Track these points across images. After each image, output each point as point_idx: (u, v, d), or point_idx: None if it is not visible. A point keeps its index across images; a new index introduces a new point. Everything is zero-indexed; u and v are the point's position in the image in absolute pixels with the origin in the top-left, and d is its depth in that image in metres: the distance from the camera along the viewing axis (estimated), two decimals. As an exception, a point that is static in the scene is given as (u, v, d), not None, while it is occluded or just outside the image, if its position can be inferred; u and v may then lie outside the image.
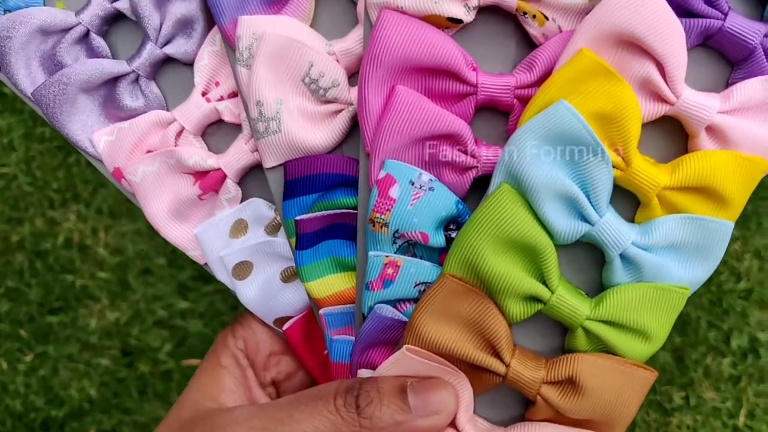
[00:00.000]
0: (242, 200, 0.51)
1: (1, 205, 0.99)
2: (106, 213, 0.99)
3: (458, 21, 0.45)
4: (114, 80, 0.49)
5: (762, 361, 0.93)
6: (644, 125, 0.44)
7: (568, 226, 0.43)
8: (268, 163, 0.48)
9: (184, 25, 0.49)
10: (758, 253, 0.93)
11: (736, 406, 0.92)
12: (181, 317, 0.99)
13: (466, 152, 0.45)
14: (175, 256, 0.98)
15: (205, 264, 0.51)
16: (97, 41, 0.49)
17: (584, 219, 0.43)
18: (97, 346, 1.00)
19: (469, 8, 0.45)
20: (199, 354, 0.99)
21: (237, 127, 0.50)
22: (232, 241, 0.51)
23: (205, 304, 0.98)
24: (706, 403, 0.92)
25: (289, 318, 0.52)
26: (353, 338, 0.49)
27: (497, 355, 0.44)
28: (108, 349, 1.01)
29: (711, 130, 0.44)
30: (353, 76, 0.49)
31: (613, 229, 0.43)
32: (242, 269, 0.51)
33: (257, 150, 0.48)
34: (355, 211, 0.48)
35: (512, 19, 0.46)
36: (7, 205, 1.00)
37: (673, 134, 0.45)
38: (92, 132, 0.50)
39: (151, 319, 0.98)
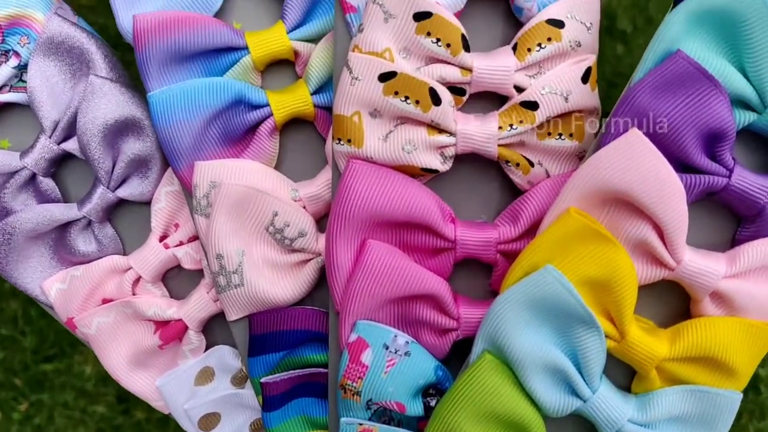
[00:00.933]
0: (208, 345, 0.47)
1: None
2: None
3: (433, 171, 0.41)
4: (65, 224, 0.45)
5: (762, 397, 0.90)
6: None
7: (557, 402, 0.39)
8: (231, 317, 0.44)
9: (138, 165, 0.45)
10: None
11: (737, 444, 0.88)
12: (176, 361, 0.96)
13: (445, 313, 0.41)
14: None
15: (169, 414, 0.48)
16: (45, 183, 0.45)
17: (575, 393, 0.39)
18: (93, 393, 0.98)
19: (446, 157, 0.41)
20: (195, 400, 0.97)
21: (199, 271, 0.46)
22: (198, 389, 0.47)
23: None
24: (708, 441, 0.89)
25: (261, 469, 0.48)
26: (328, 500, 0.45)
27: None
28: (103, 396, 0.98)
29: (716, 295, 0.39)
30: (323, 218, 0.45)
31: (607, 406, 0.39)
32: (209, 421, 0.47)
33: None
34: (326, 370, 0.44)
35: (494, 164, 0.42)
36: None
37: (673, 293, 0.41)
38: (43, 278, 0.46)
39: (146, 365, 0.96)
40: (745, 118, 0.38)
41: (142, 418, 0.97)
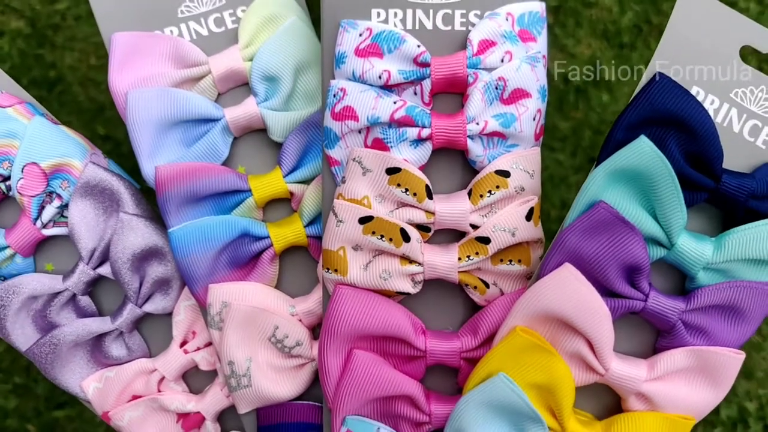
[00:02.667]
0: (222, 430, 0.56)
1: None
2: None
3: (406, 293, 0.49)
4: (101, 334, 0.54)
5: (751, 431, 0.96)
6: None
7: (511, 484, 0.48)
8: (241, 411, 0.53)
9: (161, 284, 0.53)
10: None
11: (728, 476, 0.95)
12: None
13: (419, 410, 0.50)
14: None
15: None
16: (84, 301, 0.54)
17: (526, 478, 0.48)
18: (103, 438, 1.04)
19: (416, 282, 0.49)
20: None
21: (214, 370, 0.55)
22: (215, 469, 0.56)
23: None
24: (699, 473, 0.94)
25: None
26: None
27: None
28: (113, 441, 1.04)
29: (639, 394, 0.48)
30: (317, 327, 0.53)
31: (551, 488, 0.47)
32: (225, 496, 0.55)
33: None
34: (324, 457, 0.52)
35: (457, 284, 0.50)
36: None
37: (607, 391, 0.49)
38: (81, 378, 0.54)
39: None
40: (658, 253, 0.47)
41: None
